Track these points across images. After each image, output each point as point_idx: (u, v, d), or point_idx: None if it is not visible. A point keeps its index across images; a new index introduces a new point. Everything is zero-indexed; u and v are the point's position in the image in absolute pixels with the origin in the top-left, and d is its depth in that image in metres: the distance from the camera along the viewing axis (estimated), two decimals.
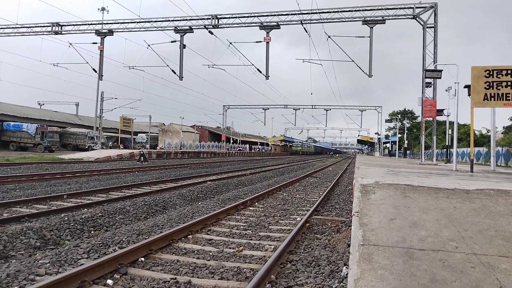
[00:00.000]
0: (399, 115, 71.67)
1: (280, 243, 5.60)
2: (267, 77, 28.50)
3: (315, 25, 27.63)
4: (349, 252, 3.56)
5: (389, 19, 25.87)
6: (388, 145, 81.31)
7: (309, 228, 7.06)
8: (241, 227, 7.11)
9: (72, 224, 6.56)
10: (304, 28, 27.16)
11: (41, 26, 27.71)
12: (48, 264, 4.47)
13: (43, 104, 65.08)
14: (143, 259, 4.86)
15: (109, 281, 4.08)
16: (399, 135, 54.21)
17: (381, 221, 3.86)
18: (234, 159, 45.60)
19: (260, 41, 27.69)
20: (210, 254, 5.24)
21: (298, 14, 27.03)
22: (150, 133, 60.95)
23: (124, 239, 5.68)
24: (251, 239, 6.16)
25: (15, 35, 28.35)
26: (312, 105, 63.59)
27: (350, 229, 4.45)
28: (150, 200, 9.37)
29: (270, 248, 5.58)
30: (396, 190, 5.43)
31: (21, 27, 27.75)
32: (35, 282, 3.91)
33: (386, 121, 64.76)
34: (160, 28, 28.30)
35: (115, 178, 15.20)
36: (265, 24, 27.41)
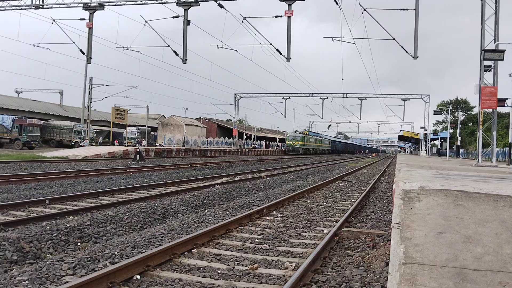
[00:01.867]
0: (451, 106, 70.78)
1: (303, 260, 5.60)
2: (288, 59, 28.39)
3: None
4: (387, 272, 3.53)
5: None
6: (436, 142, 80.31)
7: (339, 242, 7.03)
8: (256, 240, 7.13)
9: (55, 234, 6.68)
10: (335, 0, 26.95)
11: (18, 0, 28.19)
12: (26, 281, 4.57)
13: (21, 92, 66.53)
14: (138, 276, 4.92)
15: None
16: (451, 130, 53.52)
17: (428, 235, 3.81)
18: (247, 158, 45.76)
19: (280, 16, 27.58)
20: (219, 272, 5.28)
21: None
22: (148, 126, 61.61)
23: (116, 253, 5.76)
24: (268, 255, 6.18)
25: None
26: (344, 94, 63.09)
27: (389, 244, 4.42)
28: (147, 206, 9.49)
29: (291, 266, 5.58)
30: (446, 198, 5.35)
31: None
32: None
33: (435, 113, 63.86)
34: (160, 1, 28.49)
35: (106, 181, 15.43)
36: None
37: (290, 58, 28.54)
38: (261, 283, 4.95)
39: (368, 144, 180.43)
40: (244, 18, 28.35)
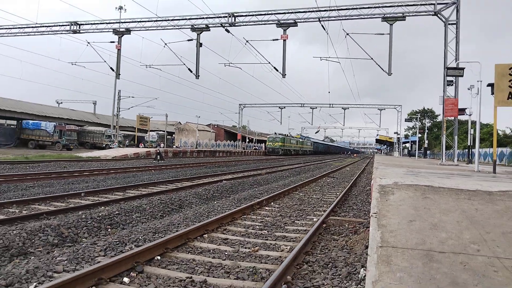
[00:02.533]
0: (419, 114, 70.54)
1: (297, 244, 5.59)
2: (283, 75, 28.44)
3: (333, 22, 27.47)
4: (367, 254, 3.53)
5: (409, 15, 25.47)
6: (407, 145, 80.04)
7: (326, 229, 7.02)
8: (257, 227, 7.12)
9: (89, 221, 6.68)
10: (322, 26, 26.99)
11: (59, 25, 28.26)
12: (65, 261, 4.57)
13: (62, 103, 66.47)
14: (159, 257, 4.92)
15: (126, 279, 4.15)
16: (419, 135, 53.37)
17: (400, 223, 3.81)
18: (249, 158, 45.70)
19: (277, 39, 27.64)
20: (226, 253, 5.27)
21: (316, 11, 26.87)
22: (167, 131, 61.60)
23: (140, 237, 5.76)
24: (267, 239, 6.17)
25: (34, 35, 28.99)
26: (330, 104, 63.07)
27: (368, 231, 4.41)
28: (166, 198, 9.48)
29: (286, 248, 5.57)
30: (416, 191, 5.35)
31: (40, 26, 28.34)
32: (53, 279, 4.01)
33: (406, 120, 63.87)
34: (177, 27, 28.54)
35: (132, 177, 15.41)
36: (282, 21, 27.34)
37: (285, 74, 28.58)
38: (261, 262, 4.94)
39: (350, 146, 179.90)
40: (247, 41, 28.42)
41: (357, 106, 64.13)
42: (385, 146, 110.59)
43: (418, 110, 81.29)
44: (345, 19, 26.81)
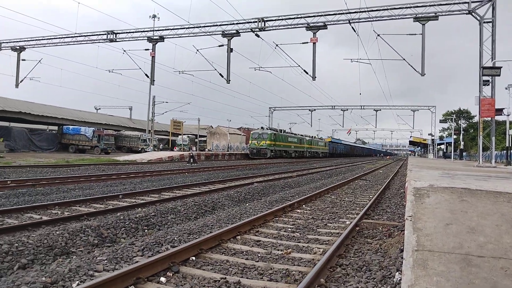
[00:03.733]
0: (454, 115, 68.07)
1: (329, 247, 5.53)
2: (314, 78, 28.23)
3: (363, 24, 27.00)
4: (402, 258, 3.45)
5: (442, 15, 24.69)
6: (442, 146, 77.43)
7: (359, 232, 6.91)
8: (289, 229, 7.10)
9: (127, 223, 6.88)
10: (352, 28, 26.62)
11: (97, 35, 29.29)
12: (105, 261, 4.72)
13: (100, 109, 68.83)
14: (194, 258, 5.00)
15: (163, 279, 4.25)
16: (455, 136, 51.57)
17: (436, 226, 3.70)
18: (280, 161, 45.57)
19: (307, 42, 27.50)
20: (259, 255, 5.29)
21: (346, 13, 26.54)
22: (199, 135, 62.50)
23: (176, 238, 5.87)
24: (299, 242, 6.14)
25: (73, 44, 30.19)
26: (361, 106, 61.99)
27: (403, 234, 4.31)
28: (199, 200, 9.62)
29: (319, 251, 5.53)
30: (452, 194, 5.18)
31: (79, 36, 29.47)
32: (94, 278, 4.15)
33: (440, 121, 61.89)
34: (208, 33, 28.94)
35: (166, 179, 15.74)
36: (311, 24, 27.18)
37: (315, 77, 28.36)
38: (294, 265, 4.92)
39: (383, 148, 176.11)
40: (277, 45, 28.43)
41: (390, 107, 62.65)
42: (419, 148, 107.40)
43: (453, 111, 78.65)
44: (375, 20, 26.34)
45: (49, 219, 7.06)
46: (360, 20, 26.62)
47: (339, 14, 26.85)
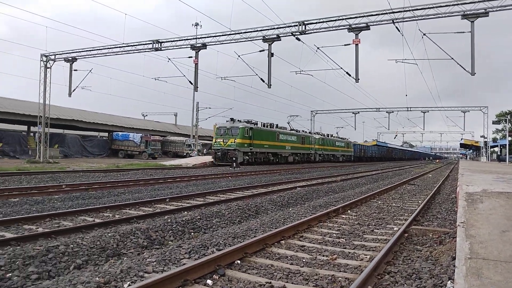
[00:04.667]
0: (509, 116, 64.14)
1: (377, 253, 5.40)
2: (356, 80, 27.70)
3: (408, 23, 26.13)
4: (454, 266, 3.31)
5: (492, 11, 23.41)
6: (496, 149, 73.05)
7: (408, 238, 6.68)
8: (334, 235, 7.00)
9: (174, 225, 7.08)
10: (397, 27, 25.86)
11: (143, 44, 30.42)
12: (154, 263, 4.88)
13: (147, 115, 71.43)
14: (239, 261, 5.06)
15: (209, 281, 4.34)
16: (510, 138, 48.54)
17: (491, 233, 3.52)
18: (323, 165, 44.98)
19: (349, 44, 27.05)
20: (303, 260, 5.26)
21: (389, 13, 25.85)
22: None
23: (221, 242, 5.97)
24: (345, 248, 6.04)
25: (121, 54, 31.54)
26: (408, 107, 59.90)
27: (455, 241, 4.13)
28: (243, 204, 9.71)
29: (366, 257, 5.41)
30: (508, 199, 4.89)
31: (126, 46, 30.74)
32: (144, 279, 4.31)
33: (493, 122, 58.37)
34: (249, 39, 29.23)
35: (210, 183, 16.03)
36: (353, 26, 26.71)
37: (359, 79, 27.81)
38: (340, 271, 4.85)
39: (431, 152, 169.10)
40: (318, 48, 28.20)
41: (438, 109, 60.10)
42: (471, 150, 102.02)
43: (507, 111, 74.05)
44: (421, 19, 25.43)
45: (101, 221, 7.41)
46: (404, 20, 25.81)
47: (382, 14, 26.20)
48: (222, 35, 29.69)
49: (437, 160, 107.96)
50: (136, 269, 4.60)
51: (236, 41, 29.73)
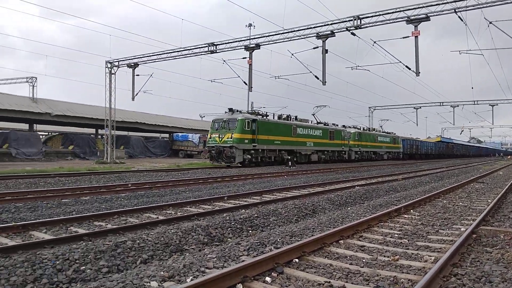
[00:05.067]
0: None
1: (442, 255, 5.12)
2: (417, 73, 26.44)
3: (472, 12, 24.44)
4: None
5: None
6: None
7: (476, 239, 6.27)
8: (396, 235, 6.75)
9: (233, 223, 7.23)
10: (459, 17, 24.31)
11: (199, 47, 31.33)
12: (215, 259, 5.02)
13: (204, 116, 73.49)
14: (297, 260, 5.05)
15: (268, 279, 4.37)
16: None
17: None
18: (383, 163, 43.49)
19: (408, 36, 25.90)
20: (363, 260, 5.13)
21: (451, 2, 24.37)
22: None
23: (278, 240, 6.00)
24: (408, 249, 5.80)
25: (179, 58, 32.72)
26: (474, 101, 56.08)
27: None
28: (299, 203, 9.68)
29: (430, 259, 5.16)
30: None
31: (183, 50, 31.83)
32: (205, 274, 4.44)
33: None
34: (302, 36, 29.00)
35: (266, 182, 16.16)
36: (412, 17, 25.52)
37: (419, 72, 26.53)
38: (403, 272, 4.67)
39: (502, 147, 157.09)
40: (374, 42, 27.32)
41: (508, 101, 55.65)
42: None
43: None
44: (486, 7, 23.69)
45: (164, 218, 7.76)
46: (467, 8, 24.20)
47: (443, 3, 24.76)
48: (275, 34, 29.74)
49: (509, 157, 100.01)
50: (197, 264, 4.76)
51: (289, 39, 29.64)
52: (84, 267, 4.79)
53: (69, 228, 7.03)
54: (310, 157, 34.22)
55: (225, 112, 28.59)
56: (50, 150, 40.52)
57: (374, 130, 50.64)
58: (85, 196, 11.11)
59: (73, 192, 11.74)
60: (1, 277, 4.27)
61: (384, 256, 5.35)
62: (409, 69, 26.88)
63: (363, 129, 47.19)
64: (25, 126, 45.34)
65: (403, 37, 26.66)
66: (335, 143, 38.61)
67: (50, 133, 53.09)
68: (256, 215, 8.03)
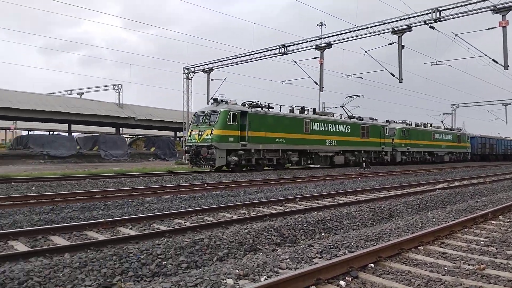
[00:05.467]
0: None
1: None
2: (506, 67, 24.13)
3: None
4: None
5: None
6: None
7: None
8: (482, 242, 6.24)
9: (305, 225, 7.22)
10: None
11: (270, 50, 31.67)
12: (288, 260, 5.05)
13: None
14: (372, 265, 4.90)
15: (342, 283, 4.31)
16: None
17: None
18: (467, 164, 40.31)
19: (494, 27, 23.76)
20: (445, 268, 4.83)
21: None
22: None
23: (352, 244, 5.87)
24: (496, 257, 5.33)
25: (251, 61, 33.39)
26: None
27: None
28: (375, 207, 9.36)
29: None
30: None
31: (255, 53, 32.41)
32: (279, 274, 4.50)
33: None
34: (377, 33, 27.96)
35: (339, 184, 15.86)
36: (499, 6, 23.35)
37: (508, 66, 24.20)
38: (490, 283, 4.31)
39: None
40: (456, 35, 25.48)
41: None
42: None
43: None
44: None
45: (238, 218, 8.00)
46: None
47: None
48: (347, 32, 29.08)
49: None
50: (271, 264, 4.83)
51: (362, 36, 28.81)
52: (165, 262, 5.12)
53: (152, 225, 7.55)
54: (332, 158, 28.08)
55: (211, 104, 23.18)
56: (134, 151, 43.77)
57: (431, 126, 42.38)
58: (165, 195, 11.82)
59: (155, 191, 12.57)
60: (94, 268, 4.72)
61: (469, 265, 4.98)
62: (496, 62, 24.64)
63: (416, 125, 39.78)
64: (112, 130, 49.47)
65: (489, 28, 24.55)
66: (370, 142, 31.47)
67: (134, 136, 57.41)
68: (328, 217, 7.93)
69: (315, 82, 31.67)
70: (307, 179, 17.90)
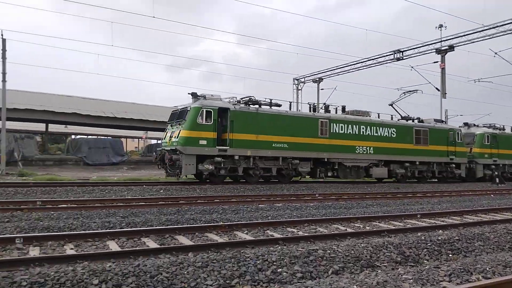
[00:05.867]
0: None
1: None
2: None
3: None
4: None
5: None
6: None
7: None
8: None
9: (429, 244, 6.61)
10: None
11: (384, 56, 30.31)
12: (411, 280, 4.66)
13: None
14: None
15: None
16: None
17: None
18: None
19: None
20: None
21: None
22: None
23: (487, 269, 5.17)
24: None
25: (363, 68, 32.36)
26: None
27: None
28: None
29: None
30: None
31: (367, 60, 31.36)
32: None
33: None
34: (509, 32, 24.77)
35: (467, 201, 14.26)
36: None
37: None
38: None
39: None
40: None
41: None
42: None
43: None
44: None
45: (353, 231, 7.68)
46: None
47: None
48: (473, 33, 26.39)
49: None
50: (392, 283, 4.52)
51: (490, 37, 25.82)
52: (280, 270, 5.14)
53: (265, 231, 7.71)
54: (368, 171, 21.37)
55: (193, 99, 17.91)
56: None
57: None
58: (277, 203, 12.01)
59: (267, 198, 12.87)
60: (214, 269, 4.97)
61: None
62: None
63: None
64: None
65: None
66: (430, 150, 23.32)
67: None
68: (457, 237, 7.13)
69: (436, 88, 29.29)
70: (429, 194, 16.50)
